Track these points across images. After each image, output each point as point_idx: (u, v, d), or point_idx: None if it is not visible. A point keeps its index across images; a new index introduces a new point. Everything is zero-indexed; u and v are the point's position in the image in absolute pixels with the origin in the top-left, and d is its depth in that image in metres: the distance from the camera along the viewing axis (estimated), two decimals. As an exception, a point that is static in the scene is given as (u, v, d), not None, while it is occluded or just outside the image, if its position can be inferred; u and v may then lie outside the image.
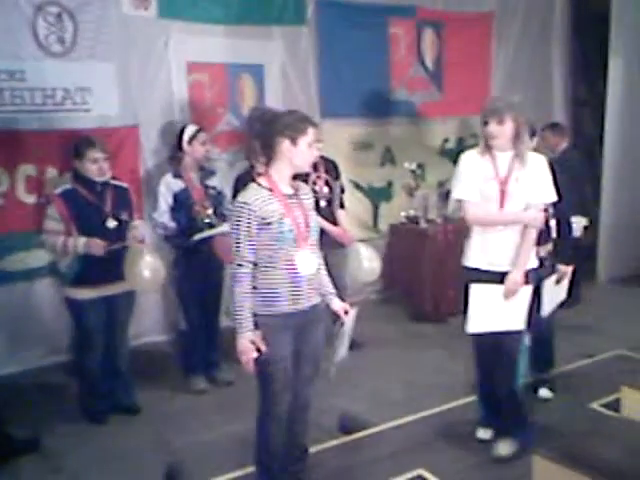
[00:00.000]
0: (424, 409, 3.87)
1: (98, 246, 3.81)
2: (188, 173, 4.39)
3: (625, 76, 6.69)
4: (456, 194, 3.44)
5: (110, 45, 4.93)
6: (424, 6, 6.47)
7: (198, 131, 4.44)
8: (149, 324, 5.31)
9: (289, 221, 2.84)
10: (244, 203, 2.83)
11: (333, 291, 3.09)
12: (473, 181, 3.35)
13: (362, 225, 6.25)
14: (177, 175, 4.38)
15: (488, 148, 3.34)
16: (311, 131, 2.88)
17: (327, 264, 3.16)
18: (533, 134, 3.89)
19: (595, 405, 4.01)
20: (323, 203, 4.68)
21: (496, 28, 6.98)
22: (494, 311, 3.35)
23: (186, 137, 4.39)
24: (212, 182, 4.48)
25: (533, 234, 3.36)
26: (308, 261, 2.90)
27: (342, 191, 4.97)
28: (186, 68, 5.31)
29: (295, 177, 2.99)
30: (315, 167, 4.71)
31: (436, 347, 5.09)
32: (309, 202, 3.01)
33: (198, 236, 4.25)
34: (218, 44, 5.41)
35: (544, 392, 4.15)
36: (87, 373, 4.04)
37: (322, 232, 3.21)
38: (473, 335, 3.47)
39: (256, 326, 2.87)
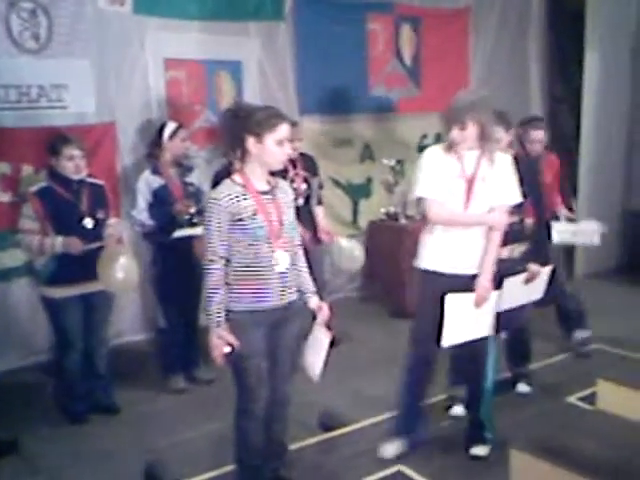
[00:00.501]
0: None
1: (76, 245, 3.77)
2: (167, 170, 4.36)
3: (601, 72, 6.75)
4: (419, 192, 3.29)
5: (86, 41, 4.87)
6: (402, 2, 6.48)
7: (178, 128, 4.42)
8: (128, 323, 5.28)
9: (261, 217, 2.83)
10: (214, 199, 2.82)
11: (313, 289, 3.08)
12: (437, 178, 3.23)
13: (342, 222, 6.25)
14: (156, 172, 4.35)
15: (454, 145, 3.24)
16: (281, 128, 2.82)
17: (307, 261, 3.15)
18: (509, 127, 3.86)
19: (572, 399, 4.06)
20: (301, 200, 4.68)
21: (473, 24, 7.01)
22: (466, 321, 3.25)
23: (167, 133, 4.37)
24: (190, 179, 4.47)
25: (498, 236, 3.28)
26: (280, 258, 2.88)
27: (320, 187, 4.98)
28: (163, 65, 5.27)
29: (273, 174, 2.98)
30: (293, 164, 4.70)
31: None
32: (286, 199, 2.98)
33: (178, 233, 4.23)
34: (195, 41, 5.37)
35: (522, 387, 4.19)
36: (66, 373, 4.01)
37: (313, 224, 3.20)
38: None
39: (229, 322, 2.86)
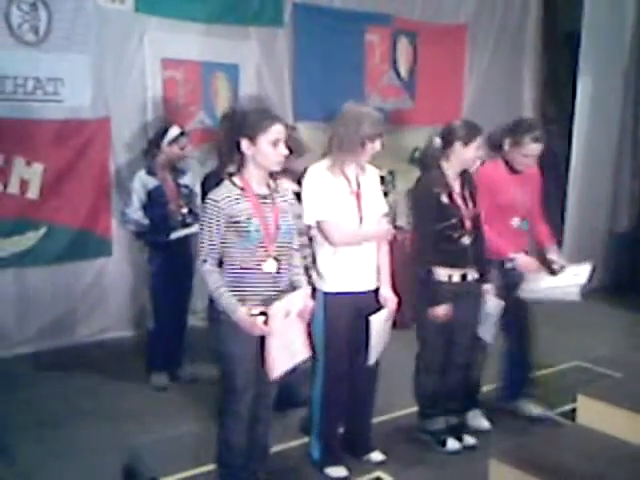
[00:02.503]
0: (385, 413, 3.89)
1: None
2: (162, 171, 4.38)
3: (593, 94, 6.82)
4: (315, 216, 3.21)
5: (85, 37, 4.90)
6: (400, 15, 6.56)
7: (181, 134, 4.44)
8: (113, 319, 5.29)
9: (257, 221, 2.84)
10: (213, 200, 2.84)
11: (305, 287, 3.06)
12: (330, 200, 3.18)
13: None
14: (151, 172, 4.37)
15: (340, 163, 3.20)
16: (274, 129, 2.82)
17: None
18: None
19: (553, 414, 4.08)
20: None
21: (470, 41, 7.10)
22: (382, 333, 3.32)
23: (168, 138, 4.38)
24: (184, 180, 4.49)
25: (386, 247, 3.35)
26: (274, 261, 2.88)
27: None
28: (161, 64, 5.30)
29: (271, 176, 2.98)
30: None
31: (400, 352, 5.11)
32: (285, 203, 2.99)
33: (175, 234, 4.25)
34: (194, 42, 5.41)
35: (451, 443, 3.68)
36: None
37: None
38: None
39: (221, 324, 2.86)
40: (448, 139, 3.46)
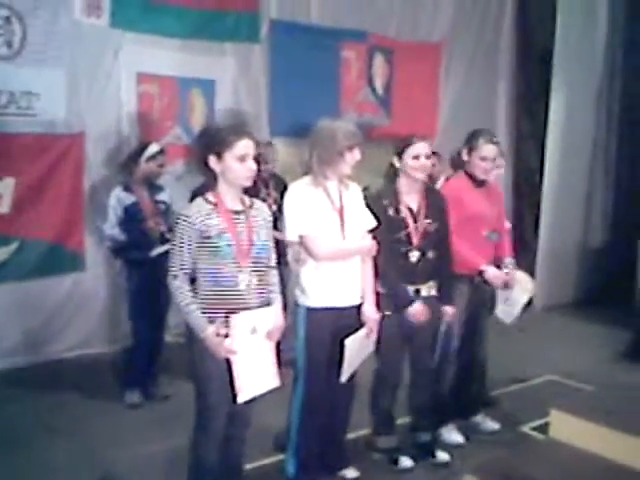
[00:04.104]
0: (360, 428, 3.87)
1: None
2: (138, 187, 4.37)
3: (566, 110, 6.92)
4: (298, 231, 3.20)
5: (59, 51, 4.88)
6: (376, 33, 6.61)
7: (159, 152, 4.42)
8: (88, 335, 5.24)
9: (228, 236, 2.83)
10: (185, 216, 2.83)
11: (279, 306, 3.06)
12: (312, 214, 3.19)
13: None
14: (127, 189, 4.35)
15: (322, 178, 3.22)
16: (239, 145, 2.82)
17: (282, 280, 3.17)
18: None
19: (526, 428, 4.10)
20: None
21: (445, 58, 7.18)
22: (358, 352, 3.29)
23: (146, 155, 4.36)
24: (161, 197, 4.47)
25: (370, 262, 3.33)
26: (247, 278, 2.87)
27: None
28: (136, 79, 5.29)
29: (245, 193, 2.98)
30: (266, 184, 4.79)
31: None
32: (259, 219, 2.97)
33: (155, 251, 4.23)
34: (170, 57, 5.42)
35: (405, 461, 3.67)
36: None
37: (278, 250, 3.18)
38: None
39: (195, 342, 2.84)
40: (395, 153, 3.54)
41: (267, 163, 4.84)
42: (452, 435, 3.91)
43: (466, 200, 3.75)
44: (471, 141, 3.81)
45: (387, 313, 3.45)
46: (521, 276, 4.14)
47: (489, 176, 3.87)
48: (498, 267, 3.89)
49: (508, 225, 4.14)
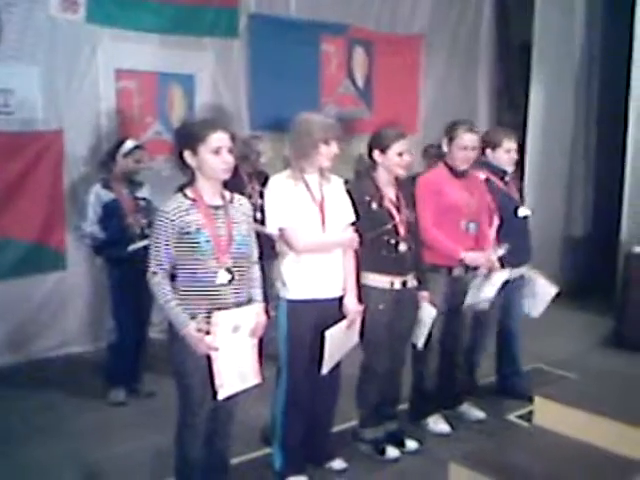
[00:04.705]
0: (347, 420, 3.87)
1: None
2: (117, 184, 4.33)
3: (546, 103, 6.97)
4: (277, 223, 3.22)
5: (35, 47, 4.83)
6: (355, 25, 6.60)
7: (136, 148, 4.38)
8: (71, 334, 5.20)
9: (207, 232, 2.81)
10: (163, 212, 2.82)
11: (260, 300, 3.05)
12: (292, 207, 3.20)
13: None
14: (106, 186, 4.32)
15: (300, 171, 3.23)
16: (212, 138, 2.80)
17: (264, 274, 3.14)
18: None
19: (511, 417, 4.13)
20: (259, 215, 4.67)
21: (425, 51, 7.19)
22: (340, 344, 3.30)
23: (122, 151, 4.33)
24: (142, 193, 4.44)
25: (352, 255, 3.34)
26: (227, 274, 2.85)
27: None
28: (114, 75, 5.25)
29: (231, 189, 2.98)
30: (250, 178, 4.79)
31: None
32: (240, 214, 2.96)
33: (132, 247, 4.20)
34: (148, 52, 5.37)
35: (391, 451, 3.68)
36: None
37: (260, 243, 3.17)
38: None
39: (177, 338, 2.82)
40: (369, 149, 3.54)
41: (252, 157, 4.83)
42: (438, 425, 3.93)
43: (444, 190, 3.77)
44: (451, 131, 3.82)
45: (380, 307, 3.46)
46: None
47: (468, 165, 3.87)
48: None
49: (497, 220, 4.08)
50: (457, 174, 3.84)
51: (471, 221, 3.86)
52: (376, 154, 3.51)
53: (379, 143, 3.51)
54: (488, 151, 4.14)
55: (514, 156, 4.18)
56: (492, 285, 3.96)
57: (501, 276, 3.97)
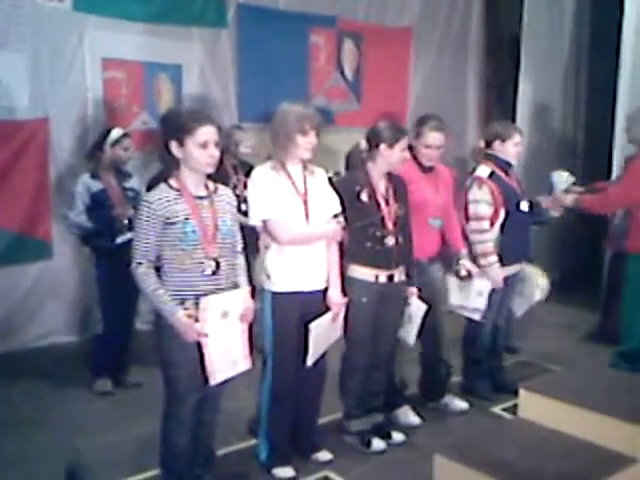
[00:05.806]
0: (332, 412, 3.88)
1: None
2: (106, 174, 4.30)
3: (534, 97, 6.98)
4: (261, 215, 3.19)
5: (21, 35, 4.78)
6: (345, 17, 6.58)
7: (123, 136, 4.35)
8: (56, 324, 5.17)
9: (193, 222, 2.81)
10: (148, 202, 2.81)
11: (246, 287, 3.05)
12: (275, 198, 3.17)
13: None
14: (95, 176, 4.29)
15: (280, 162, 3.21)
16: (200, 131, 2.79)
17: (249, 266, 3.15)
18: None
19: (496, 409, 4.15)
20: (244, 206, 4.65)
21: (414, 44, 7.17)
22: (324, 337, 3.31)
23: (109, 140, 4.30)
24: (130, 184, 4.42)
25: (336, 247, 3.34)
26: (214, 263, 2.85)
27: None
28: (101, 64, 5.20)
29: (215, 180, 2.97)
30: (235, 170, 4.76)
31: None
32: (224, 204, 2.97)
33: (121, 238, 4.17)
34: (136, 42, 5.33)
35: (377, 443, 3.70)
36: None
37: (244, 235, 3.16)
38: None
39: (163, 329, 2.82)
40: (374, 141, 3.49)
41: (231, 147, 4.81)
42: (408, 417, 3.93)
43: (412, 186, 3.71)
44: (417, 127, 3.81)
45: (363, 300, 3.45)
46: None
47: (435, 162, 3.87)
48: (449, 259, 3.98)
49: (454, 212, 4.07)
50: (424, 169, 3.84)
51: (436, 216, 3.86)
52: (382, 147, 3.47)
53: (387, 137, 3.46)
54: (496, 143, 4.10)
55: (520, 149, 4.19)
56: (479, 295, 3.98)
57: (486, 285, 3.99)
